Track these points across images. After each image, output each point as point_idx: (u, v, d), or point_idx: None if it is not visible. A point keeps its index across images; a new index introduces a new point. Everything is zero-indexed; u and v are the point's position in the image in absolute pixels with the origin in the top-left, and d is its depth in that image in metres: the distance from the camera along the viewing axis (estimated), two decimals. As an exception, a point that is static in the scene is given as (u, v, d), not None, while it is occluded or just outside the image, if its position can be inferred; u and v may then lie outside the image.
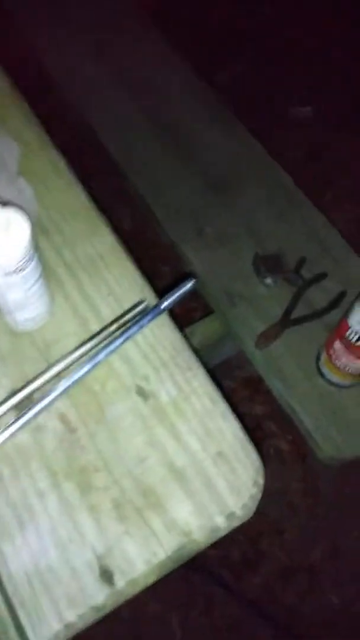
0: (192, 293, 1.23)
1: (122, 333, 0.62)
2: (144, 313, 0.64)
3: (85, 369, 0.60)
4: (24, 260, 0.53)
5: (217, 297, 1.13)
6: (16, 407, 0.59)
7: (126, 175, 1.32)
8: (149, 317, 0.62)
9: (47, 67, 1.49)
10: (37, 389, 0.60)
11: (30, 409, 0.58)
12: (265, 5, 2.33)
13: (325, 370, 1.01)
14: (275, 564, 1.42)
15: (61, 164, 0.77)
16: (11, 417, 0.58)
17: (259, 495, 0.55)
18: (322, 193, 1.86)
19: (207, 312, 1.29)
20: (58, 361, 0.61)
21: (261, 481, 0.55)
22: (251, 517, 0.55)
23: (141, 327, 0.61)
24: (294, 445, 1.53)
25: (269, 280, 1.12)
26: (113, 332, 0.63)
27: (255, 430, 1.57)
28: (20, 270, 0.54)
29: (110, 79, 1.45)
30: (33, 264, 0.55)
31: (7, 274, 0.53)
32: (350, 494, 1.49)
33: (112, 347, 0.61)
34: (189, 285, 0.63)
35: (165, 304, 0.62)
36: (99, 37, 1.53)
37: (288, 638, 1.34)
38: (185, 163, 1.31)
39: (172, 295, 0.63)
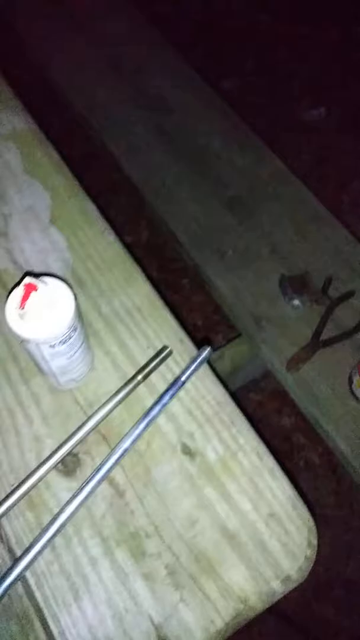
0: (216, 305, 1.22)
1: (156, 403, 0.62)
2: (166, 358, 0.64)
3: (135, 434, 0.59)
4: (68, 332, 0.53)
5: (244, 321, 1.12)
6: (64, 470, 0.59)
7: (144, 195, 1.31)
8: (171, 391, 0.62)
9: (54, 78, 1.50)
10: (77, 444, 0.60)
11: (87, 482, 0.57)
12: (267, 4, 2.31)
13: (359, 393, 1.00)
14: (312, 578, 1.41)
15: (92, 211, 0.76)
16: (65, 492, 0.58)
17: (314, 557, 0.54)
18: (338, 198, 1.84)
19: (231, 325, 1.27)
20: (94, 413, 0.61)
21: (315, 542, 0.55)
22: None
23: (164, 405, 0.61)
24: (325, 457, 1.52)
25: (296, 302, 1.11)
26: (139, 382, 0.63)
27: (284, 443, 1.56)
28: (64, 341, 0.53)
29: (123, 97, 1.45)
30: (77, 332, 0.55)
31: (52, 345, 0.53)
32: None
33: (153, 413, 0.61)
34: (204, 353, 0.64)
35: (185, 376, 0.62)
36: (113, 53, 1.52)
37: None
38: (201, 181, 1.30)
39: (191, 366, 0.63)
